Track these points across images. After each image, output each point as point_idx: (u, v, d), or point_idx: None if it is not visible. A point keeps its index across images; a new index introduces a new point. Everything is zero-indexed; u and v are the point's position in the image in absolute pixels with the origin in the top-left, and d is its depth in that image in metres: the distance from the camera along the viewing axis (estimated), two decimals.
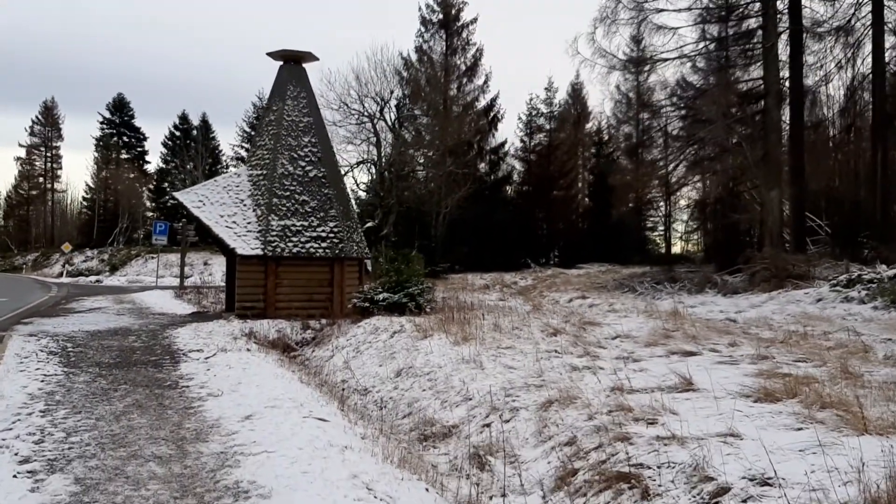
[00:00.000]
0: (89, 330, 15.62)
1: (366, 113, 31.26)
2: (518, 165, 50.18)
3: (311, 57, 19.63)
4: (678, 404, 7.24)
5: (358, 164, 31.88)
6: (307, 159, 19.05)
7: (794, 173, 22.50)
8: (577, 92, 53.05)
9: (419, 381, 10.82)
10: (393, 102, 33.42)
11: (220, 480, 5.27)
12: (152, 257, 51.67)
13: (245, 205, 18.67)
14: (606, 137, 52.33)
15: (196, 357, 11.59)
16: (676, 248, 58.92)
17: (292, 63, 19.57)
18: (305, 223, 18.50)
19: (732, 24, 27.09)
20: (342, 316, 17.39)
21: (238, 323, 16.76)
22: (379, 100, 31.46)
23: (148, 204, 68.38)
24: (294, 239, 18.23)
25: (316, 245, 18.40)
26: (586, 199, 52.54)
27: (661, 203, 53.98)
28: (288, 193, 18.59)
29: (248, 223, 18.33)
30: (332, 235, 18.61)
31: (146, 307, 23.22)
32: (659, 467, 5.81)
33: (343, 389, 11.75)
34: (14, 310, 20.58)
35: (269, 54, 19.54)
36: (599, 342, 11.78)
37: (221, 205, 18.51)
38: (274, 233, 18.10)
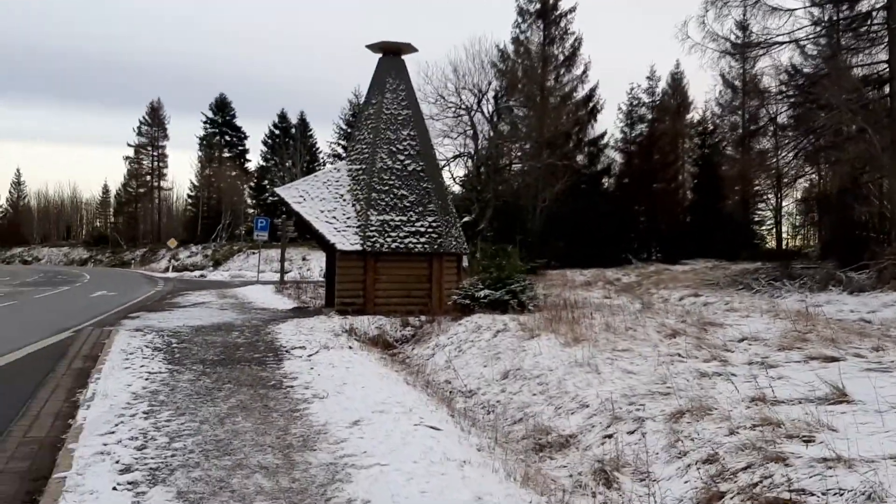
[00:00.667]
0: (193, 325, 15.69)
1: (463, 106, 30.81)
2: (618, 157, 48.78)
3: (409, 48, 19.25)
4: (835, 419, 6.37)
5: (454, 157, 31.48)
6: (406, 153, 18.68)
7: None
8: (676, 82, 51.10)
9: (528, 385, 10.23)
10: (490, 94, 32.90)
11: (332, 498, 4.81)
12: (253, 253, 52.82)
13: (344, 200, 18.47)
14: (711, 127, 50.19)
15: (299, 354, 11.32)
16: (785, 244, 56.27)
17: (391, 55, 19.25)
18: (404, 218, 18.14)
19: (847, 6, 25.16)
20: (441, 313, 16.95)
21: (338, 319, 16.55)
22: (476, 92, 30.97)
23: (249, 201, 70.17)
24: (393, 234, 17.91)
25: (415, 240, 18.02)
26: (689, 192, 50.54)
27: (771, 196, 51.56)
28: (387, 188, 18.28)
29: (348, 218, 18.11)
30: (430, 230, 18.20)
31: (248, 302, 23.45)
32: (825, 493, 5.02)
33: (449, 392, 11.28)
34: (122, 304, 21.10)
35: (368, 46, 19.26)
36: (725, 345, 10.86)
37: (321, 200, 18.36)
38: (373, 228, 17.82)
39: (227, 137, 72.27)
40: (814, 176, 31.78)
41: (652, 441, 7.26)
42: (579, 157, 42.03)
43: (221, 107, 71.39)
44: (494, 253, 16.63)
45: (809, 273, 21.38)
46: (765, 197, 51.82)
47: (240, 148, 72.82)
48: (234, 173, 69.29)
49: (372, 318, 16.51)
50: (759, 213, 53.62)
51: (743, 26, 51.64)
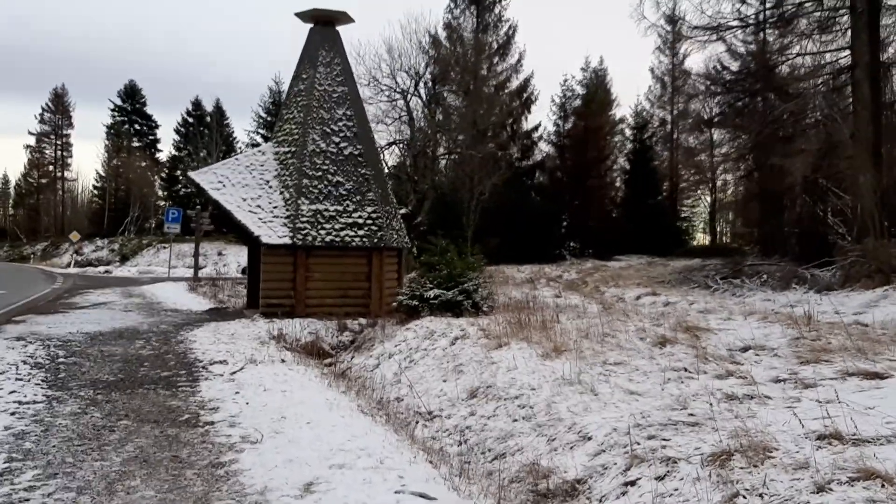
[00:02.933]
0: (90, 331, 13.25)
1: (398, 89, 28.69)
2: (552, 151, 47.52)
3: (346, 18, 17.11)
4: None
5: (389, 145, 29.26)
6: (341, 134, 16.57)
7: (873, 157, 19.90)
8: (599, 77, 50.25)
9: (506, 407, 8.39)
10: (428, 77, 30.84)
11: None
12: (164, 247, 49.41)
13: (271, 187, 16.23)
14: (643, 122, 49.65)
15: (219, 372, 9.16)
16: (715, 241, 56.42)
17: (324, 25, 17.08)
18: (340, 208, 16.04)
19: None
20: (383, 315, 14.99)
21: (264, 323, 14.37)
22: (413, 74, 28.92)
23: (160, 193, 66.37)
24: (327, 226, 15.78)
25: (352, 233, 15.94)
26: (621, 188, 49.85)
27: (699, 192, 51.51)
28: (320, 174, 16.13)
29: (275, 207, 15.89)
30: (370, 222, 16.15)
31: (157, 302, 20.87)
32: None
33: (403, 413, 9.34)
34: (8, 305, 18.22)
35: (297, 14, 17.02)
36: (732, 356, 9.27)
37: (244, 186, 16.08)
38: (304, 219, 15.66)
39: (137, 126, 68.19)
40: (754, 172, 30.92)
41: (691, 491, 5.51)
42: (514, 150, 40.49)
43: (131, 94, 67.26)
44: (444, 248, 14.72)
45: (767, 270, 20.33)
46: (697, 193, 51.78)
47: (150, 137, 68.86)
48: (144, 164, 65.34)
49: (303, 322, 14.38)
50: (688, 209, 53.55)
51: (673, 20, 51.52)
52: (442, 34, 37.03)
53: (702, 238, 56.73)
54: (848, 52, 21.00)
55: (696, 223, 54.37)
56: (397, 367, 11.35)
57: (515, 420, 8.01)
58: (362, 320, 14.78)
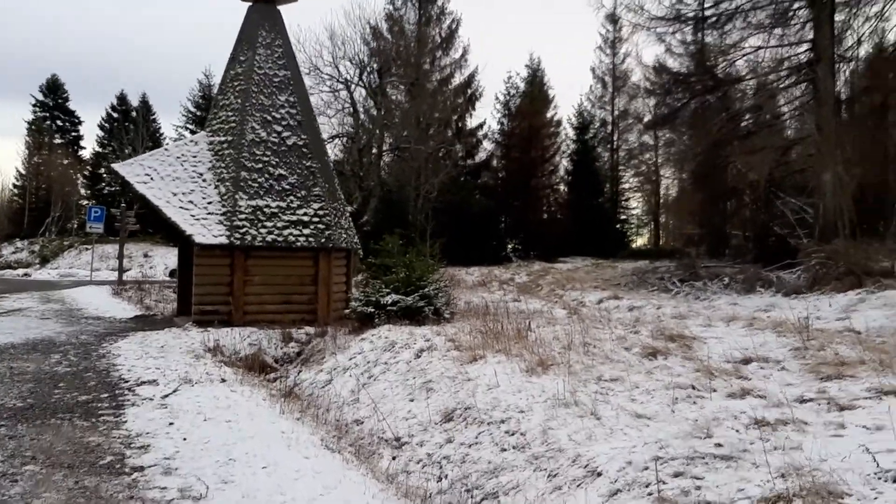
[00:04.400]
0: None
1: (341, 79, 27.18)
2: (496, 150, 46.52)
3: None
4: None
5: (332, 138, 27.63)
6: (284, 123, 15.11)
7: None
8: (541, 76, 49.61)
9: (491, 434, 7.20)
10: (375, 66, 29.28)
11: None
12: (87, 248, 46.59)
13: (205, 180, 14.67)
14: (587, 121, 49.18)
15: (149, 395, 7.70)
16: (640, 241, 56.47)
17: (265, 2, 15.57)
18: (283, 204, 14.59)
19: None
20: (333, 323, 13.62)
21: (197, 333, 12.83)
22: (357, 63, 27.41)
23: (83, 192, 62.92)
24: (268, 224, 14.32)
25: (297, 232, 14.50)
26: (564, 189, 49.27)
27: (649, 194, 51.36)
28: (260, 166, 14.65)
29: (209, 203, 14.35)
30: (316, 220, 14.74)
31: (78, 308, 18.97)
32: None
33: (362, 438, 8.07)
34: None
35: None
36: (737, 370, 8.28)
37: (174, 180, 14.48)
38: (242, 216, 14.17)
39: (59, 122, 64.47)
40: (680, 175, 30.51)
41: None
42: (458, 147, 39.35)
43: (53, 89, 63.53)
44: (403, 248, 13.45)
45: (727, 273, 19.67)
46: (638, 195, 51.64)
47: (73, 134, 65.18)
48: (66, 161, 61.81)
49: (243, 332, 12.91)
50: (630, 211, 53.39)
51: (614, 20, 51.28)
52: (383, 26, 35.61)
53: (642, 240, 56.78)
54: (805, 46, 20.57)
55: (637, 225, 54.25)
56: (354, 384, 10.04)
57: (504, 449, 6.82)
58: (309, 329, 13.37)
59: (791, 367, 8.42)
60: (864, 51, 25.60)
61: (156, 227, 47.56)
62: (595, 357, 8.93)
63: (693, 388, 7.43)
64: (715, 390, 7.37)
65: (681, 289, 19.06)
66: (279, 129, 14.98)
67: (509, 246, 44.66)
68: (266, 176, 14.60)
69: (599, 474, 5.78)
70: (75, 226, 57.85)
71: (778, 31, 21.58)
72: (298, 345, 12.71)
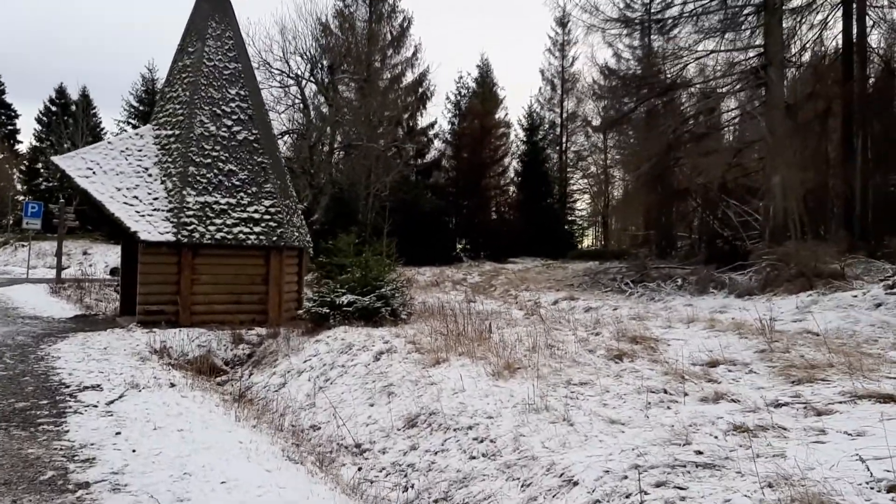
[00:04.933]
0: None
1: (291, 74, 26.50)
2: (447, 150, 46.26)
3: None
4: None
5: (282, 134, 26.88)
6: (234, 117, 14.57)
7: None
8: (491, 77, 49.61)
9: (458, 440, 6.92)
10: (325, 62, 28.66)
11: None
12: (23, 245, 44.91)
13: (150, 175, 14.05)
14: (537, 123, 49.29)
15: (92, 401, 7.19)
16: (587, 242, 56.97)
17: None
18: (233, 200, 14.06)
19: None
20: (285, 324, 13.17)
21: (142, 333, 12.25)
22: (309, 58, 26.79)
23: (19, 187, 60.66)
24: (217, 221, 13.78)
25: (247, 229, 13.99)
26: (514, 190, 49.31)
27: (596, 195, 51.76)
28: (209, 161, 14.09)
29: (155, 199, 13.74)
30: (267, 217, 14.25)
31: (14, 307, 18.05)
32: None
33: (320, 444, 7.70)
34: None
35: None
36: (707, 373, 8.14)
37: (118, 174, 13.83)
38: (190, 212, 13.60)
39: None
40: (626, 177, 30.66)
41: None
42: (409, 147, 38.98)
43: None
44: (359, 247, 13.06)
45: (679, 274, 19.76)
46: (585, 196, 52.02)
47: (9, 127, 62.90)
48: (1, 156, 59.50)
49: (191, 333, 12.36)
50: (577, 212, 53.76)
51: (563, 22, 51.51)
52: (333, 22, 35.04)
53: (589, 241, 57.24)
54: (755, 51, 20.79)
55: (584, 226, 54.64)
56: (310, 388, 9.65)
57: (474, 457, 6.54)
58: (260, 330, 12.89)
59: (759, 369, 8.32)
60: (805, 58, 26.17)
61: (95, 223, 46.03)
62: (561, 360, 8.71)
63: (665, 392, 7.25)
64: (687, 394, 7.21)
65: (635, 290, 19.07)
66: (229, 123, 14.45)
67: (459, 246, 44.51)
68: (215, 171, 14.05)
69: (576, 483, 5.54)
70: (10, 222, 55.76)
71: (729, 35, 21.82)
72: (249, 346, 12.23)
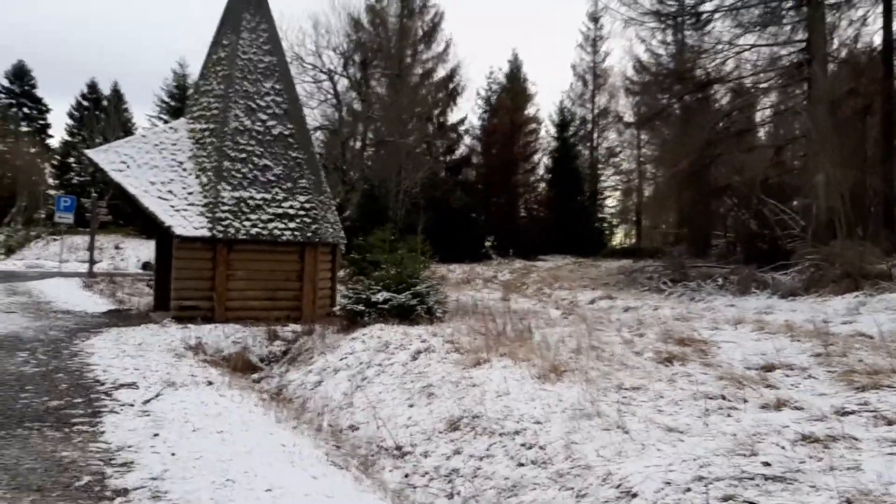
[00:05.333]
0: None
1: (324, 69, 26.38)
2: (477, 146, 45.94)
3: None
4: None
5: (314, 130, 26.76)
6: (269, 111, 14.40)
7: None
8: (523, 72, 49.17)
9: (504, 446, 6.63)
10: (358, 57, 28.47)
11: None
12: (55, 239, 45.32)
13: (185, 169, 13.92)
14: (578, 120, 48.79)
15: (128, 400, 7.01)
16: (617, 240, 56.29)
17: None
18: (267, 196, 13.89)
19: None
20: (319, 321, 12.98)
21: (177, 329, 12.10)
22: (341, 53, 26.62)
23: (50, 182, 61.32)
24: (252, 216, 13.62)
25: (282, 225, 13.82)
26: (544, 187, 48.85)
27: (628, 193, 51.16)
28: (244, 155, 13.94)
29: (190, 193, 13.61)
30: (302, 213, 14.07)
31: (47, 301, 18.08)
32: None
33: (359, 446, 7.45)
34: None
35: None
36: (765, 378, 7.79)
37: (152, 168, 13.72)
38: (225, 207, 13.45)
39: (26, 110, 62.77)
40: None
41: None
42: (440, 144, 38.65)
43: (19, 75, 61.82)
44: (394, 244, 12.82)
45: (718, 273, 19.30)
46: (617, 193, 51.43)
47: (41, 122, 63.56)
48: (33, 150, 60.16)
49: (226, 329, 12.21)
50: (606, 210, 53.16)
51: (595, 17, 50.94)
52: (365, 18, 34.84)
53: (619, 239, 56.60)
54: (796, 46, 20.21)
55: (614, 224, 54.02)
56: (347, 386, 9.42)
57: (522, 464, 6.26)
58: (295, 327, 12.70)
59: (818, 374, 7.95)
60: (843, 54, 25.49)
61: (128, 218, 46.36)
62: (609, 363, 8.38)
63: (723, 398, 6.91)
64: (746, 401, 6.86)
65: (673, 289, 18.64)
66: (264, 117, 14.28)
67: (487, 243, 44.18)
68: (250, 166, 13.89)
69: (635, 496, 5.25)
70: (42, 216, 56.37)
71: (771, 29, 21.25)
72: (284, 343, 12.04)
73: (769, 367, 8.32)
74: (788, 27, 21.17)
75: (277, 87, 14.56)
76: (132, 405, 6.79)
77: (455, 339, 9.85)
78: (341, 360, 10.42)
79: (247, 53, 14.45)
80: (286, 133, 14.37)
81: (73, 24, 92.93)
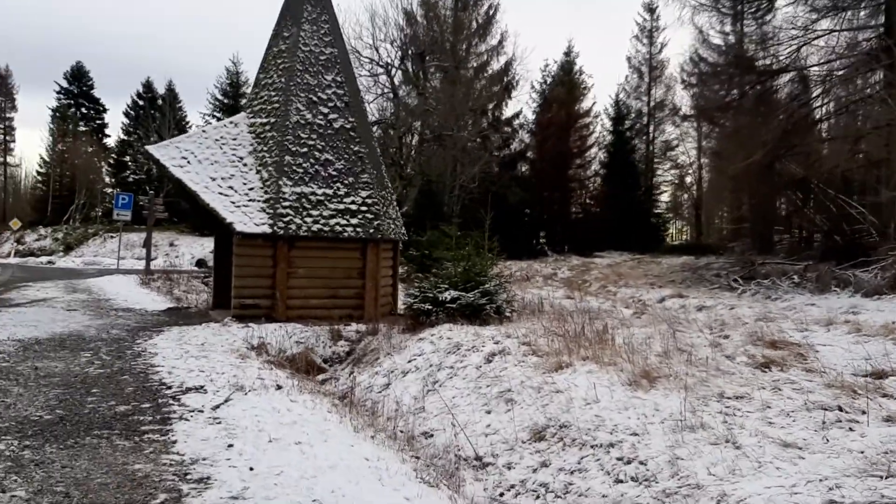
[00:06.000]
0: (23, 338, 10.62)
1: (381, 62, 25.98)
2: (531, 140, 45.19)
3: None
4: None
5: (372, 124, 26.45)
6: (331, 104, 14.05)
7: None
8: (574, 64, 48.21)
9: (598, 459, 6.13)
10: (415, 50, 28.02)
11: None
12: (112, 236, 46.08)
13: (245, 164, 13.64)
14: (624, 112, 47.74)
15: (197, 405, 6.66)
16: (676, 237, 54.98)
17: None
18: (329, 191, 13.53)
19: None
20: (383, 320, 12.59)
21: (238, 328, 11.82)
22: (399, 46, 26.18)
23: (107, 180, 62.46)
24: (314, 212, 13.27)
25: (344, 221, 13.44)
26: (599, 181, 47.91)
27: (684, 187, 50.00)
28: (305, 150, 13.60)
29: (251, 189, 13.33)
30: (364, 209, 13.68)
31: (106, 298, 18.09)
32: None
33: (436, 455, 6.99)
34: None
35: None
36: (881, 388, 7.07)
37: (213, 164, 13.47)
38: (286, 203, 13.13)
39: (84, 110, 64.10)
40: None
41: None
42: (495, 138, 38.02)
43: (78, 76, 63.22)
44: (460, 241, 12.36)
45: (792, 270, 18.40)
46: (672, 188, 50.26)
47: (98, 122, 64.85)
48: (90, 149, 61.33)
49: (288, 328, 11.89)
50: (662, 205, 51.97)
51: (651, 8, 49.76)
52: (418, 11, 34.38)
53: (676, 234, 55.33)
54: (869, 31, 19.14)
55: (671, 219, 52.77)
56: (417, 390, 9.00)
57: (621, 481, 5.74)
58: (359, 326, 12.32)
59: None
60: None
61: (181, 215, 46.90)
62: (703, 368, 7.77)
63: (839, 409, 6.27)
64: (865, 412, 6.21)
65: (746, 287, 17.82)
66: (325, 110, 13.92)
67: (543, 239, 43.44)
68: (311, 161, 13.55)
69: None
70: (100, 213, 57.40)
71: (846, 14, 20.20)
72: (348, 343, 11.67)
73: (880, 374, 7.61)
74: (865, 11, 20.10)
75: (339, 79, 14.20)
76: (202, 411, 6.44)
77: (531, 340, 9.34)
78: (409, 361, 10.00)
79: (308, 45, 14.11)
80: (347, 126, 14.00)
81: (127, 24, 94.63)
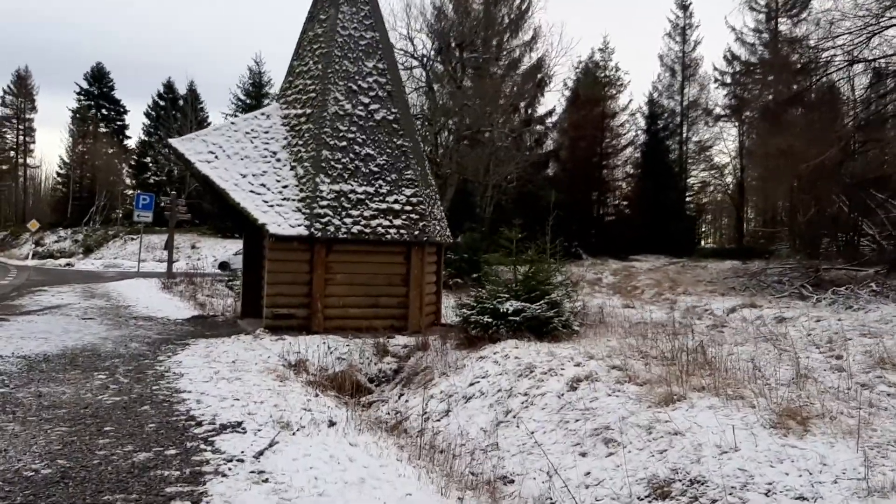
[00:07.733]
0: (30, 353, 9.37)
1: (416, 54, 24.61)
2: (564, 140, 43.66)
3: None
4: None
5: None
6: (372, 94, 12.69)
7: None
8: (604, 60, 46.67)
9: None
10: (454, 42, 26.63)
11: None
12: (132, 238, 45.11)
13: (279, 160, 12.31)
14: (658, 111, 46.13)
15: (236, 452, 5.30)
16: (704, 240, 53.20)
17: None
18: (370, 189, 12.16)
19: None
20: (427, 331, 11.21)
21: (272, 341, 10.50)
22: (436, 37, 24.73)
23: (128, 181, 61.63)
24: (354, 212, 11.91)
25: (386, 222, 12.07)
26: (631, 182, 46.31)
27: (723, 188, 48.35)
28: (344, 144, 12.24)
29: (285, 187, 11.99)
30: (409, 209, 12.30)
31: (126, 305, 16.85)
32: None
33: None
34: None
35: None
36: None
37: (243, 159, 12.15)
38: (324, 202, 11.77)
39: (104, 111, 63.26)
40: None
41: None
42: (528, 137, 36.52)
43: (98, 77, 62.40)
44: (518, 245, 10.95)
45: (868, 277, 16.87)
46: (708, 189, 48.58)
47: (118, 123, 64.01)
48: (111, 150, 60.53)
49: (327, 341, 10.52)
50: (697, 207, 50.25)
51: (684, 5, 48.18)
52: (448, 6, 32.94)
53: (709, 237, 53.63)
54: None
55: (705, 221, 51.07)
56: (486, 420, 7.61)
57: None
58: (406, 340, 10.93)
59: None
60: None
61: (203, 217, 45.84)
62: (854, 404, 6.30)
63: None
64: None
65: (821, 295, 16.29)
66: (366, 100, 12.57)
67: (574, 241, 41.94)
68: (351, 156, 12.19)
69: None
70: (120, 215, 56.56)
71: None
72: (396, 360, 10.28)
73: None
74: None
75: (380, 66, 12.84)
76: (242, 461, 5.08)
77: (623, 363, 7.92)
78: (471, 385, 8.59)
79: (346, 29, 12.77)
80: (390, 118, 12.64)
81: (147, 26, 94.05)
